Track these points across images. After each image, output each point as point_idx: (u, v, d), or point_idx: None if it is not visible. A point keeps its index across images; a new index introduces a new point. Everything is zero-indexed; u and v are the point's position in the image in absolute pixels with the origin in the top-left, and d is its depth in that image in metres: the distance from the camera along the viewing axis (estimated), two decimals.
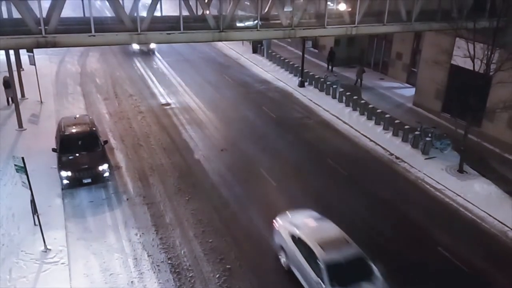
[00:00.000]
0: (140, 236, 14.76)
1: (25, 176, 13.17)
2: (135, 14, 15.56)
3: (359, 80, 29.98)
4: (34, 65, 24.51)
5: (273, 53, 35.92)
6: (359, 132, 22.98)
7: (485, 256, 14.29)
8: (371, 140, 22.04)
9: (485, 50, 17.28)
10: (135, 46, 35.96)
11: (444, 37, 22.09)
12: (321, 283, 11.39)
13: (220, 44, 39.72)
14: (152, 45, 35.87)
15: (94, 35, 14.75)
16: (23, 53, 25.15)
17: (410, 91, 27.96)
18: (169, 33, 16.05)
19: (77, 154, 17.38)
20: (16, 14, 15.66)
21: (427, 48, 25.25)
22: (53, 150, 17.60)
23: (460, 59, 19.36)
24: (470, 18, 18.08)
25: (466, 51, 17.64)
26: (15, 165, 13.25)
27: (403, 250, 14.53)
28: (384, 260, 13.87)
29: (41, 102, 25.11)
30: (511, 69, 17.09)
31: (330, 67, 33.32)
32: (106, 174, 17.28)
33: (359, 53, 34.45)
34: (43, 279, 12.68)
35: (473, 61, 17.54)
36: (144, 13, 15.55)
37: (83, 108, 25.05)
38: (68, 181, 16.70)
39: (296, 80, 30.52)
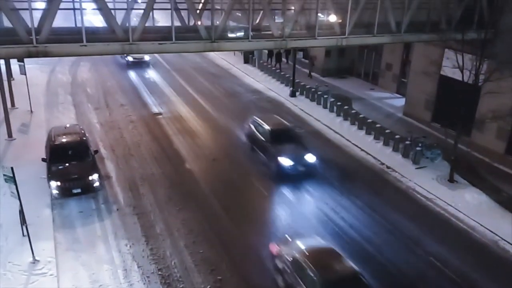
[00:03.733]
0: (130, 247, 14.61)
1: (14, 186, 13.02)
2: (127, 24, 15.57)
3: (310, 72, 34.17)
4: (25, 74, 24.38)
5: (265, 63, 36.09)
6: (350, 141, 23.09)
7: (476, 266, 14.32)
8: (362, 150, 22.14)
9: (474, 61, 17.51)
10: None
11: (433, 48, 22.36)
12: None
13: (211, 55, 39.84)
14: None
15: (85, 45, 14.71)
16: (14, 63, 25.02)
17: (400, 101, 28.23)
18: (161, 43, 16.07)
19: (67, 164, 17.23)
20: (7, 24, 15.60)
21: (417, 59, 25.53)
22: (43, 160, 17.48)
23: (449, 70, 19.59)
24: (458, 29, 18.35)
25: (455, 62, 17.86)
26: (4, 175, 13.10)
27: (394, 259, 14.51)
28: (375, 270, 13.89)
29: (31, 111, 24.94)
30: (500, 79, 17.34)
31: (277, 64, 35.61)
32: (96, 184, 17.12)
33: (349, 64, 34.76)
34: None
35: (462, 72, 17.75)
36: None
37: (74, 118, 24.92)
38: (57, 191, 16.53)
39: (287, 90, 30.66)
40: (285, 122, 21.46)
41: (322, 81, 32.95)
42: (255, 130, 20.22)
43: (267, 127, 20.04)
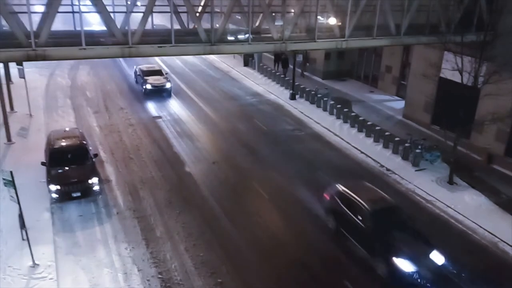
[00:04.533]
0: (130, 250, 14.57)
1: (14, 190, 12.97)
2: (126, 28, 15.58)
3: (303, 71, 35.19)
4: (24, 78, 24.34)
5: (264, 66, 36.13)
6: (350, 144, 23.09)
7: (476, 268, 14.28)
8: (362, 152, 22.14)
9: (473, 63, 17.56)
10: None
11: (432, 51, 22.39)
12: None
13: (211, 58, 39.87)
14: None
15: (84, 48, 14.71)
16: (13, 66, 25.01)
17: (400, 104, 28.26)
18: (161, 46, 16.07)
19: (67, 168, 17.21)
20: (6, 27, 15.59)
21: (416, 61, 25.57)
22: (42, 163, 17.43)
23: (449, 72, 19.62)
24: (457, 32, 18.39)
25: (454, 64, 17.91)
26: (4, 179, 13.06)
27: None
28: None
29: (31, 115, 24.90)
30: (499, 81, 17.37)
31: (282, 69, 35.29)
32: (96, 187, 17.09)
33: (349, 67, 34.82)
34: None
35: (461, 74, 17.80)
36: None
37: (73, 121, 24.87)
38: (57, 195, 16.50)
39: (287, 92, 30.68)
40: (384, 194, 15.24)
41: (322, 84, 32.95)
42: (342, 206, 14.69)
43: (363, 204, 14.12)
